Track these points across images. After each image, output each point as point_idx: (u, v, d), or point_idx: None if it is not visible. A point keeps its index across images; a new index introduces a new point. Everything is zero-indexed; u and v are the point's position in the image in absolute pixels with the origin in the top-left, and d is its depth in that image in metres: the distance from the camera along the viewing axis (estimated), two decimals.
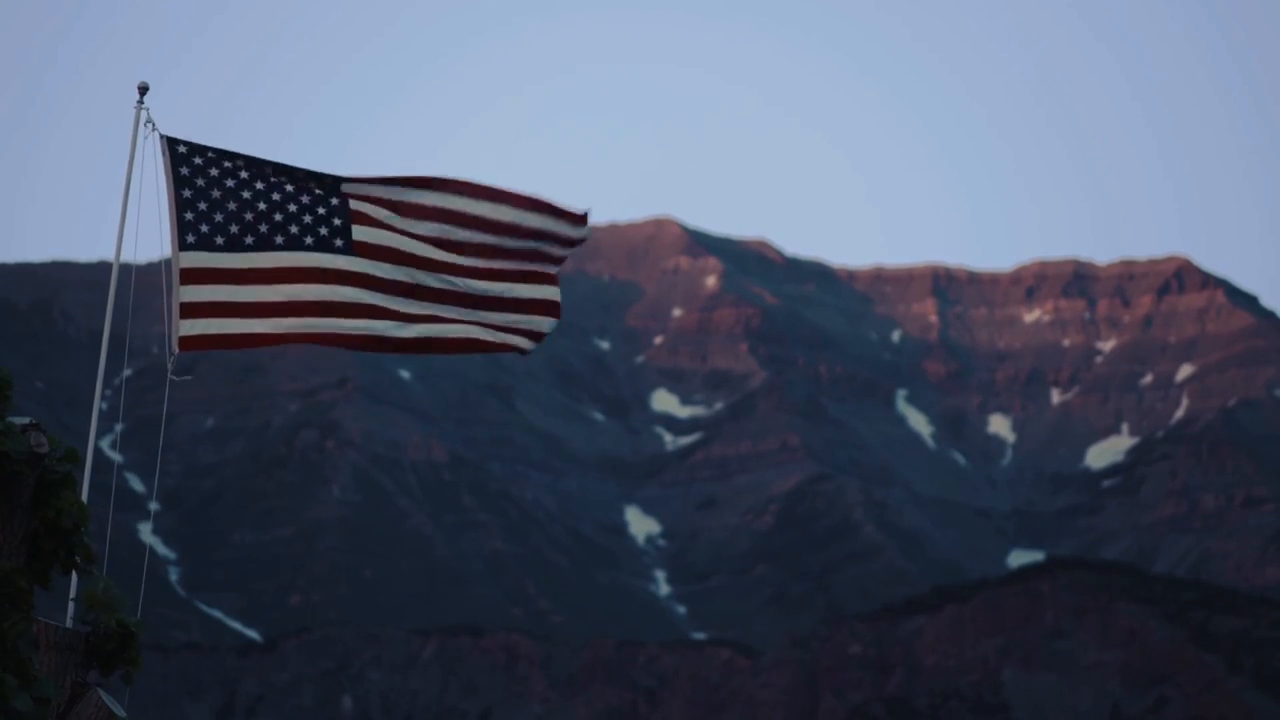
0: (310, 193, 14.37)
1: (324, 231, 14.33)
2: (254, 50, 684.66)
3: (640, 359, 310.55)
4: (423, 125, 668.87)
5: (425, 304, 14.51)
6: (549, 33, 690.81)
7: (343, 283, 14.29)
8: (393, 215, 14.60)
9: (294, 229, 14.27)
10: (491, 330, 14.70)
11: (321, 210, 14.37)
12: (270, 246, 14.18)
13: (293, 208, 14.31)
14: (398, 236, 14.56)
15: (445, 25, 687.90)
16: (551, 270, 14.91)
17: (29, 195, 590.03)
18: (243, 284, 14.04)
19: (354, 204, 14.49)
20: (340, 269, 14.29)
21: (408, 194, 14.63)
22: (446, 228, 14.68)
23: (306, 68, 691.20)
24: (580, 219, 14.87)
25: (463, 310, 14.64)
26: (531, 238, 14.80)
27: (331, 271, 14.26)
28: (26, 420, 10.61)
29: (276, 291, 14.13)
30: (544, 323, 14.86)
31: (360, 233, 14.43)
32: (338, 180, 14.49)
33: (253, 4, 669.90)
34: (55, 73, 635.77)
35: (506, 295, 14.79)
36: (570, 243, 14.91)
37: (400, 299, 14.42)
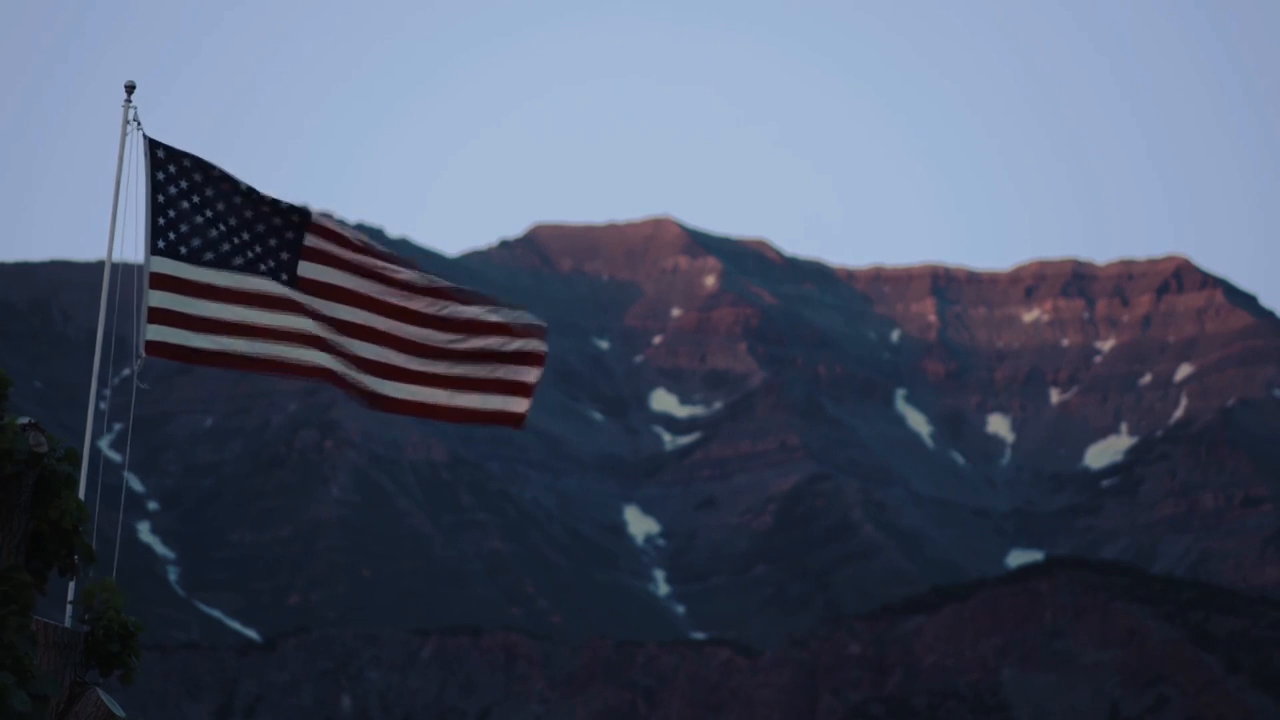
0: (267, 220, 14.42)
1: (272, 263, 14.41)
2: (253, 57, 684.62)
3: (639, 359, 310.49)
4: (426, 127, 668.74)
5: (377, 348, 14.53)
6: (551, 38, 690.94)
7: (293, 311, 14.35)
8: (349, 254, 14.66)
9: (252, 252, 14.34)
10: (454, 392, 14.72)
11: (273, 241, 14.42)
12: (228, 266, 14.26)
13: (255, 230, 14.38)
14: (350, 276, 14.59)
15: (448, 31, 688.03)
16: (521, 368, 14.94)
17: (29, 195, 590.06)
18: (201, 298, 14.12)
19: (310, 240, 14.53)
20: (290, 298, 14.35)
21: (368, 260, 14.69)
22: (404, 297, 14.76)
23: (310, 73, 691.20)
24: (537, 331, 14.94)
25: (422, 361, 14.67)
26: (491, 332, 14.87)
27: (283, 299, 14.33)
28: (26, 420, 10.62)
29: (231, 312, 14.19)
30: (514, 401, 14.85)
31: (307, 269, 14.47)
32: (306, 216, 14.53)
33: (256, 10, 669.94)
34: (55, 73, 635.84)
35: (475, 349, 14.81)
36: (532, 358, 14.93)
37: (347, 339, 14.45)
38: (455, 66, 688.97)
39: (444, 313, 14.75)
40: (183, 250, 14.19)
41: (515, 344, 14.78)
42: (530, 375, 14.71)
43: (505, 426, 14.75)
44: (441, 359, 14.70)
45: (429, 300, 14.76)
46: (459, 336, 14.75)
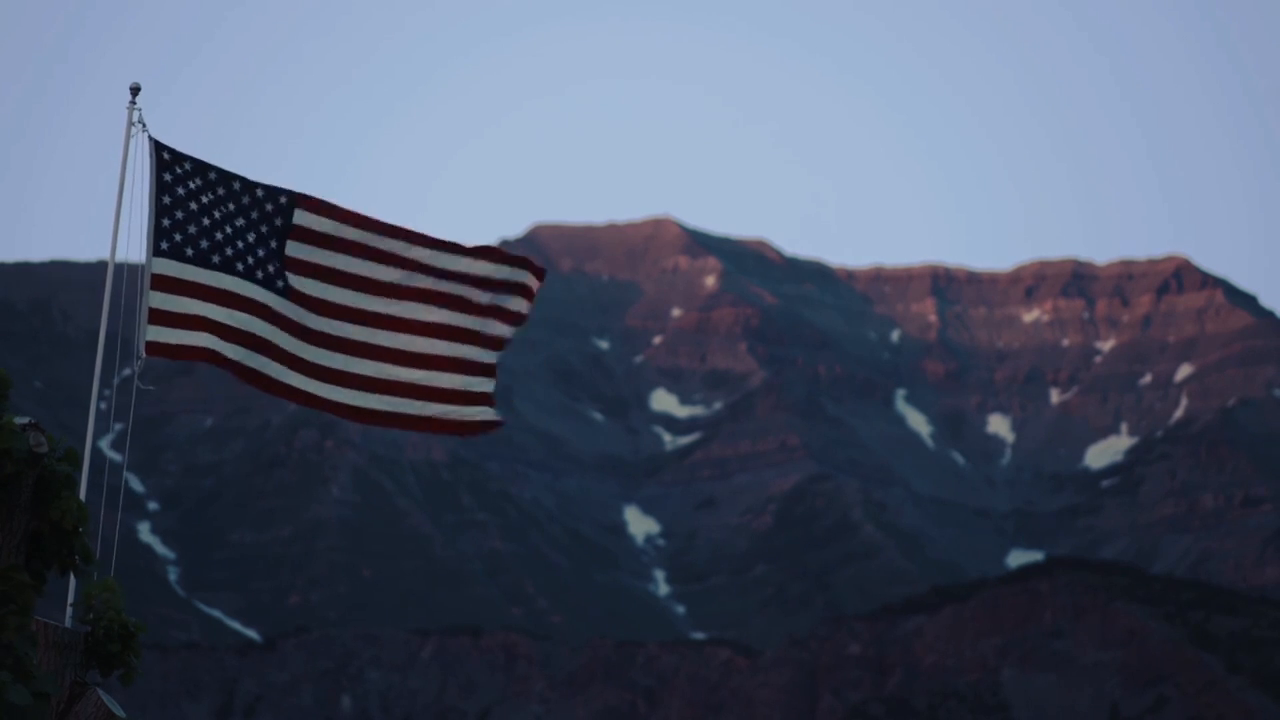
0: (258, 230, 14.52)
1: (271, 269, 14.50)
2: (253, 58, 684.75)
3: (639, 359, 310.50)
4: (426, 127, 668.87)
5: (350, 359, 14.67)
6: (551, 39, 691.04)
7: (284, 327, 14.45)
8: (332, 255, 14.73)
9: (249, 260, 14.42)
10: (423, 403, 14.86)
11: (262, 251, 14.51)
12: (231, 271, 14.34)
13: (248, 238, 14.46)
14: (330, 288, 14.69)
15: (448, 32, 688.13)
16: (503, 333, 15.05)
17: (29, 195, 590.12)
18: (206, 301, 14.19)
19: (290, 249, 14.63)
20: (277, 310, 14.45)
21: (350, 232, 14.77)
22: (388, 270, 14.82)
23: (310, 73, 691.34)
24: (536, 270, 15.08)
25: (394, 369, 14.80)
26: (480, 286, 14.96)
27: (271, 310, 14.43)
28: (26, 420, 10.61)
29: (231, 317, 14.28)
30: (476, 411, 15.01)
31: (294, 280, 14.58)
32: (292, 201, 14.58)
33: (256, 11, 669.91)
34: (56, 73, 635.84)
35: (447, 355, 14.92)
36: (526, 292, 15.06)
37: (326, 351, 14.57)
38: (455, 67, 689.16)
39: (426, 316, 14.88)
40: (189, 252, 14.26)
41: (486, 356, 14.99)
42: (488, 385, 14.95)
43: (471, 435, 15.01)
44: (416, 367, 14.84)
45: (412, 303, 14.88)
46: (435, 340, 14.91)
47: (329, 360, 14.59)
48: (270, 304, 14.45)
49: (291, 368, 14.47)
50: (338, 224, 14.70)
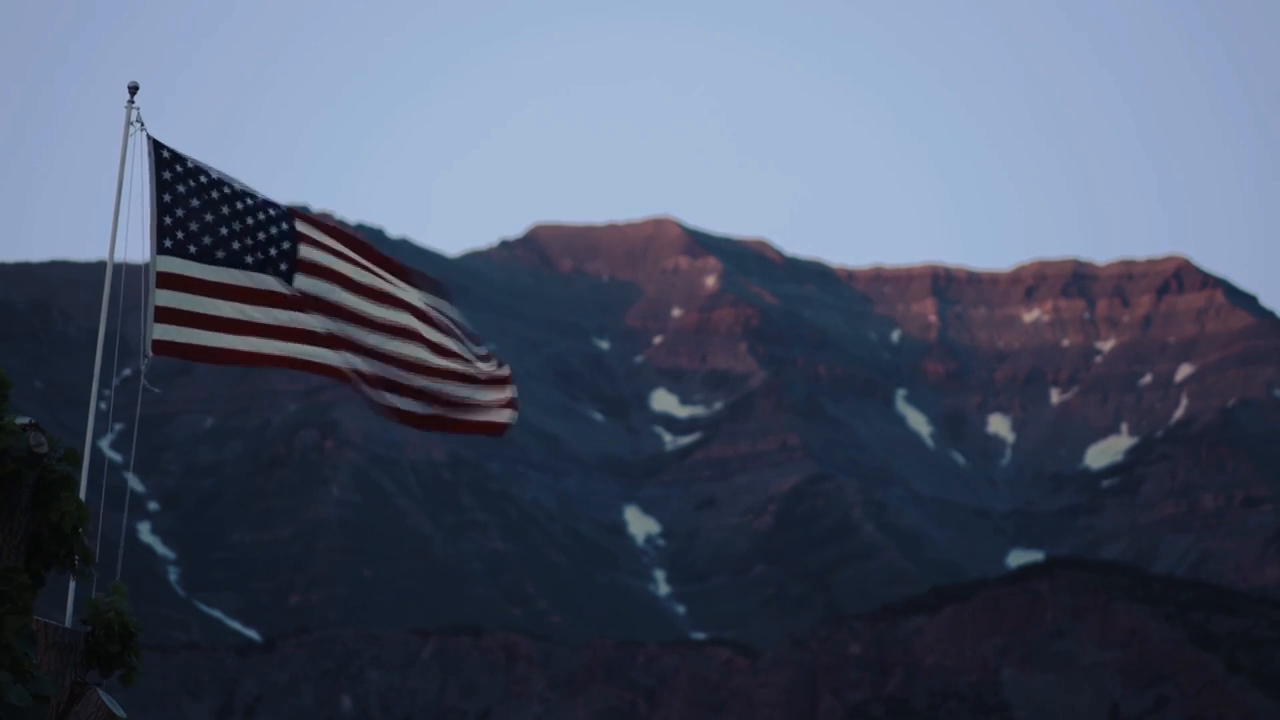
0: (265, 211, 14.54)
1: (273, 252, 14.51)
2: (255, 59, 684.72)
3: (640, 359, 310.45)
4: (427, 128, 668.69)
5: (371, 333, 14.75)
6: (552, 40, 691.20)
7: (302, 309, 14.46)
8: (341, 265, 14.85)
9: (262, 254, 14.45)
10: (441, 407, 14.97)
11: (274, 231, 14.53)
12: (239, 265, 14.35)
13: (257, 236, 14.48)
14: (342, 262, 14.78)
15: (449, 33, 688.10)
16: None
17: (29, 195, 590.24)
18: (212, 297, 14.18)
19: (300, 225, 14.67)
20: (285, 293, 14.47)
21: (343, 266, 14.86)
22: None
23: (311, 74, 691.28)
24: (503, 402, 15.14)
25: (410, 374, 14.95)
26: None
27: (292, 297, 14.44)
28: (26, 420, 10.59)
29: (241, 310, 14.29)
30: (501, 413, 15.10)
31: (305, 251, 14.61)
32: (291, 212, 14.67)
33: (258, 11, 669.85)
34: (56, 73, 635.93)
35: (454, 370, 15.04)
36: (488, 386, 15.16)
37: (347, 325, 14.62)
38: (456, 68, 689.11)
39: (429, 335, 14.97)
40: (192, 249, 14.26)
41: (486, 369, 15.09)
42: (507, 393, 15.03)
43: (490, 435, 15.10)
44: (426, 375, 14.89)
45: (419, 321, 14.95)
46: (441, 358, 14.98)
47: (356, 334, 14.63)
48: (283, 290, 14.45)
49: (315, 344, 14.49)
50: (331, 257, 14.75)
